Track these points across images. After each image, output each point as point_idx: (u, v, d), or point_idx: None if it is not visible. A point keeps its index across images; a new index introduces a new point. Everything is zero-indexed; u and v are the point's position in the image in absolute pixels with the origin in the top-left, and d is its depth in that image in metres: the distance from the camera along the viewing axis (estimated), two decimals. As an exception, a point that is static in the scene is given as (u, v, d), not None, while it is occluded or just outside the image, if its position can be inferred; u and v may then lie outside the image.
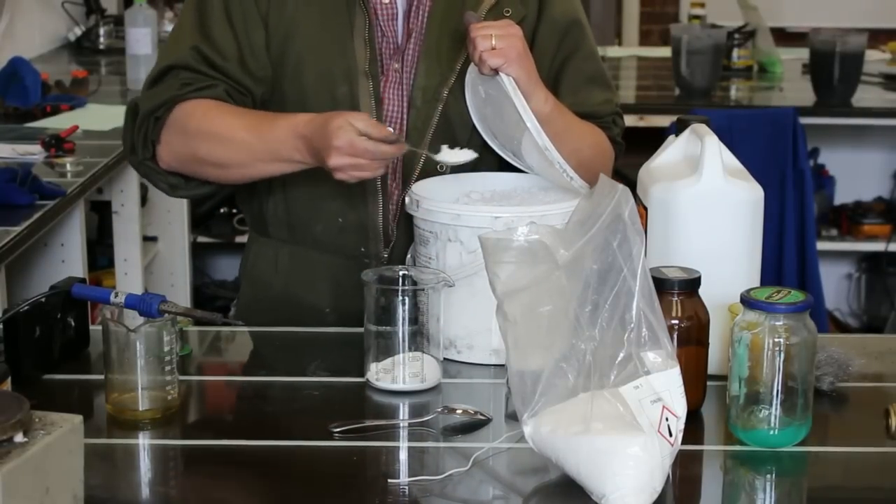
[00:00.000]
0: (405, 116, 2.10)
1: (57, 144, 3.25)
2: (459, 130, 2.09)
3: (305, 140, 1.93)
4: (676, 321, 1.63)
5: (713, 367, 1.71)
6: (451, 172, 2.04)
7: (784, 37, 5.86)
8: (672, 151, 1.91)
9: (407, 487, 1.51)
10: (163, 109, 2.03)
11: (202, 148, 2.03)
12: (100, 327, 1.72)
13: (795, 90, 4.56)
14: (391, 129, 1.93)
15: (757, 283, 1.78)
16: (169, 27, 5.35)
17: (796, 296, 1.58)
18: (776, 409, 1.59)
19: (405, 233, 2.06)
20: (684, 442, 1.49)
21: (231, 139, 2.02)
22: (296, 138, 1.95)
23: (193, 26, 2.08)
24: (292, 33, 2.07)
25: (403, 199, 2.02)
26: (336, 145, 1.85)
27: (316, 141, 1.90)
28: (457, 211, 1.84)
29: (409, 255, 1.96)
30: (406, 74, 2.10)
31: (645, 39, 7.31)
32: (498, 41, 1.92)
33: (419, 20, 2.10)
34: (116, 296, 1.71)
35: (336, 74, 2.07)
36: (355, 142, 1.84)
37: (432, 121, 2.09)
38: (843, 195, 4.81)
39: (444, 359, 1.80)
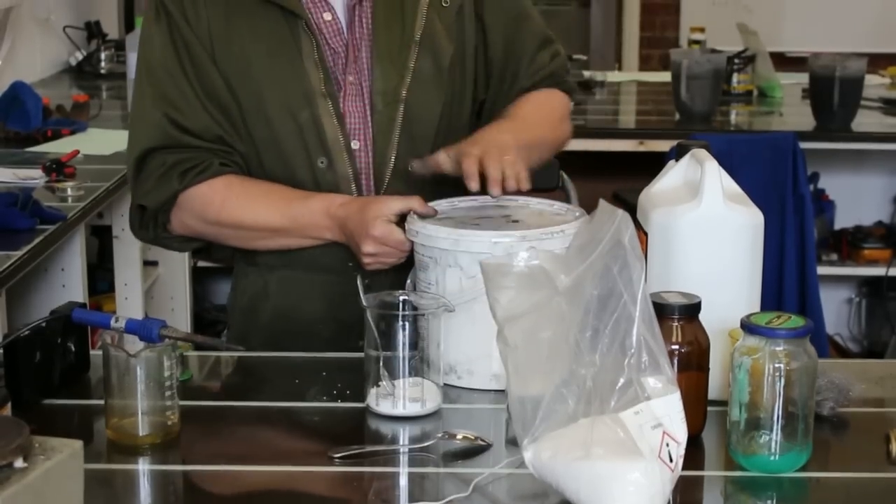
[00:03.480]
0: (369, 123, 2.13)
1: (58, 169, 3.25)
2: (422, 126, 2.15)
3: (339, 221, 2.02)
4: (677, 346, 1.63)
5: (714, 392, 1.71)
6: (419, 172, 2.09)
7: (784, 61, 5.87)
8: (672, 176, 1.91)
9: (407, 513, 1.51)
10: (169, 203, 2.10)
11: (226, 233, 2.15)
12: (100, 352, 1.72)
13: (795, 115, 4.56)
14: (430, 206, 1.96)
15: (757, 308, 1.78)
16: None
17: (796, 321, 1.58)
18: (777, 434, 1.59)
19: None
20: (685, 467, 1.49)
21: (259, 226, 2.11)
22: (329, 219, 2.04)
23: (154, 97, 2.11)
24: (244, 68, 2.10)
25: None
26: (373, 234, 1.95)
27: (351, 224, 1.99)
28: (455, 236, 1.84)
29: (409, 281, 1.96)
30: (363, 83, 2.13)
31: (645, 64, 7.34)
32: (506, 169, 1.97)
33: (364, 28, 2.13)
34: (117, 321, 1.72)
35: (295, 100, 2.09)
36: (393, 232, 1.94)
37: (396, 122, 2.13)
38: (844, 220, 4.82)
39: (445, 384, 1.80)
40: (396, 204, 1.96)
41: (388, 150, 2.13)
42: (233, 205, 2.10)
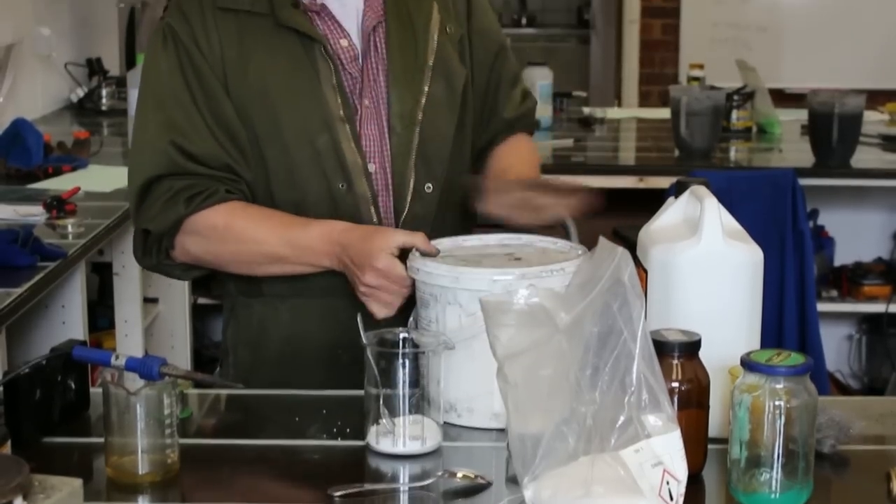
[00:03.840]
0: (387, 145, 2.15)
1: (58, 206, 3.26)
2: (437, 148, 2.18)
3: (339, 247, 2.02)
4: (677, 384, 1.63)
5: (714, 430, 1.71)
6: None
7: (782, 98, 5.90)
8: (672, 213, 1.91)
9: (407, 552, 1.51)
10: (174, 229, 2.09)
11: (226, 257, 2.13)
12: (100, 390, 1.72)
13: (794, 151, 4.57)
14: (433, 245, 1.97)
15: (757, 345, 1.78)
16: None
17: (796, 358, 1.58)
18: (777, 472, 1.59)
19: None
20: (685, 506, 1.49)
21: (259, 251, 2.10)
22: (328, 244, 2.04)
23: (160, 124, 2.11)
24: (261, 95, 2.10)
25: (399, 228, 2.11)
26: (376, 266, 1.95)
27: (353, 252, 1.99)
28: (455, 273, 1.84)
29: (411, 318, 1.96)
30: (379, 107, 2.15)
31: (644, 100, 7.37)
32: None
33: (379, 54, 2.16)
34: (117, 358, 1.72)
35: (313, 125, 2.11)
36: (396, 267, 1.94)
37: (413, 144, 2.15)
38: (843, 256, 4.82)
39: (445, 423, 1.80)
40: (400, 238, 1.96)
41: (406, 171, 2.15)
42: (235, 230, 2.09)
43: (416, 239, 1.95)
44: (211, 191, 2.08)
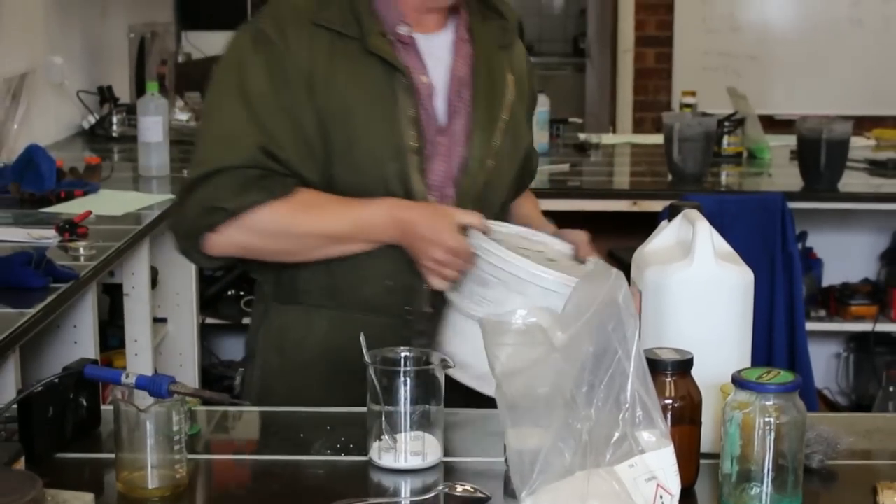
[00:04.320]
0: (452, 184, 2.17)
1: (71, 229, 3.26)
2: (496, 195, 2.23)
3: (404, 223, 2.06)
4: (670, 401, 1.64)
5: (706, 445, 1.71)
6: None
7: (772, 124, 5.91)
8: (665, 236, 1.92)
9: (409, 564, 1.50)
10: (242, 211, 2.06)
11: (284, 248, 2.13)
12: (111, 407, 1.72)
13: (783, 176, 4.58)
14: (487, 225, 2.06)
15: (748, 363, 1.79)
16: (180, 115, 5.40)
17: (786, 376, 1.59)
18: (767, 486, 1.59)
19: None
20: (678, 519, 1.49)
21: (321, 232, 2.11)
22: (391, 218, 2.07)
23: (248, 122, 2.09)
24: (342, 113, 2.11)
25: None
26: (449, 244, 2.01)
27: (421, 228, 2.04)
28: (536, 270, 1.91)
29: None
30: (453, 146, 2.17)
31: (638, 127, 7.38)
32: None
33: (463, 100, 2.19)
34: (127, 377, 1.72)
35: (386, 152, 2.12)
36: (465, 245, 2.00)
37: (478, 187, 2.18)
38: (831, 277, 4.83)
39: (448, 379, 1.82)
40: (462, 216, 2.04)
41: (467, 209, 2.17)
42: (300, 216, 2.10)
43: (474, 218, 2.03)
44: (283, 186, 2.08)
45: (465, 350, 1.94)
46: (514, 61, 2.29)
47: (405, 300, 2.11)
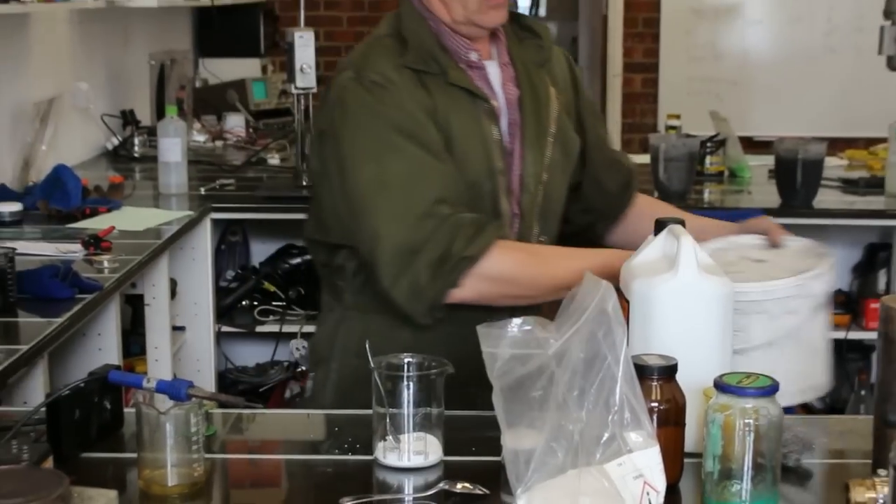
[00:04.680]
0: (517, 200, 2.19)
1: (95, 243, 3.26)
2: (554, 206, 2.26)
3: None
4: (656, 404, 1.64)
5: (689, 445, 1.71)
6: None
7: (751, 145, 5.91)
8: (651, 250, 1.92)
9: (412, 556, 1.50)
10: (477, 256, 2.02)
11: (517, 290, 2.09)
12: (133, 410, 1.72)
13: (762, 193, 4.58)
14: None
15: (728, 368, 1.79)
16: (197, 137, 5.41)
17: (764, 380, 1.59)
18: (747, 483, 1.59)
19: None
20: (664, 514, 1.49)
21: (555, 284, 2.05)
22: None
23: (425, 158, 2.06)
24: (449, 140, 2.12)
25: None
26: None
27: None
28: (765, 287, 1.87)
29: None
30: (515, 164, 2.19)
31: (626, 147, 7.37)
32: None
33: (516, 118, 2.20)
34: (148, 381, 1.72)
35: (481, 173, 2.14)
36: None
37: (537, 200, 2.21)
38: (807, 288, 4.81)
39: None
40: None
41: (531, 224, 2.21)
42: (533, 263, 2.09)
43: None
44: (496, 223, 2.08)
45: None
46: (556, 73, 2.29)
47: (486, 317, 2.06)
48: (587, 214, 2.44)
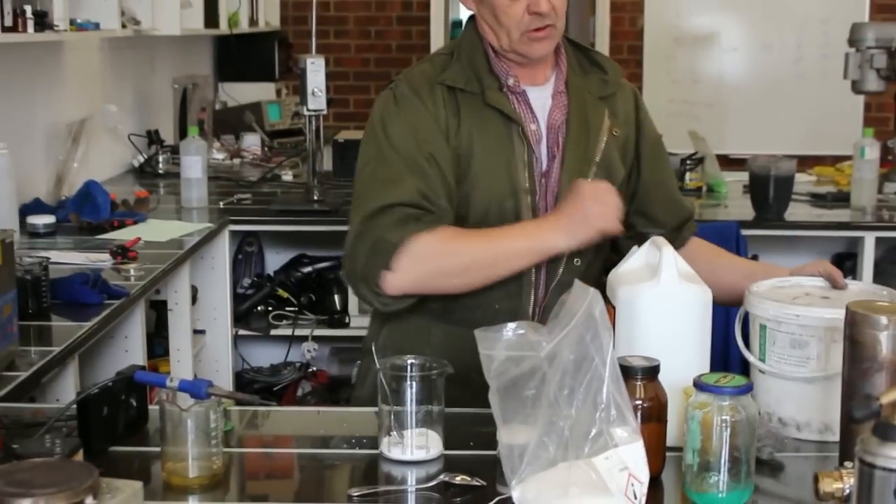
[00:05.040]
0: None
1: (122, 253, 3.27)
2: None
3: (556, 216, 2.04)
4: (640, 402, 1.64)
5: (671, 440, 1.71)
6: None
7: (727, 162, 5.91)
8: (636, 260, 1.92)
9: (414, 543, 1.50)
10: (401, 243, 2.01)
11: (463, 263, 2.06)
12: (157, 407, 1.72)
13: (738, 207, 4.58)
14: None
15: (707, 369, 1.79)
16: (217, 155, 5.41)
17: (739, 380, 1.59)
18: (724, 475, 1.59)
19: (546, 315, 2.09)
20: (647, 504, 1.49)
21: (500, 250, 2.06)
22: (546, 221, 2.05)
23: (405, 167, 2.08)
24: (467, 157, 2.12)
25: (548, 289, 2.14)
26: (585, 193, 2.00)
27: (567, 211, 2.02)
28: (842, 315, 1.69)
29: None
30: (551, 187, 2.16)
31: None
32: None
33: (558, 144, 2.17)
34: (171, 381, 1.72)
35: (503, 191, 2.12)
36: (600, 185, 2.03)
37: None
38: (779, 294, 4.81)
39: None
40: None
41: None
42: (471, 241, 2.06)
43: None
44: (437, 218, 2.06)
45: (800, 410, 1.84)
46: (618, 108, 2.25)
47: (510, 321, 2.03)
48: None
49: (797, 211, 4.44)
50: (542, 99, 2.20)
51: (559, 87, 2.21)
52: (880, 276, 4.46)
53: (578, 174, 2.15)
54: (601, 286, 2.10)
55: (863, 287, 2.00)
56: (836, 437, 1.73)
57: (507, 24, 2.11)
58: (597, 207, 2.00)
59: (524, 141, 2.13)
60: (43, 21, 3.45)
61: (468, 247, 2.06)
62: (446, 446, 1.77)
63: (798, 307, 1.85)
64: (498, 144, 2.13)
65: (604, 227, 2.01)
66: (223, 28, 5.80)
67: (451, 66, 2.17)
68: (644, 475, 1.49)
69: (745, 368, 1.97)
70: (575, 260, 2.16)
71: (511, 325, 1.56)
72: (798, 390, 1.84)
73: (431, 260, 2.04)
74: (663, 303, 1.79)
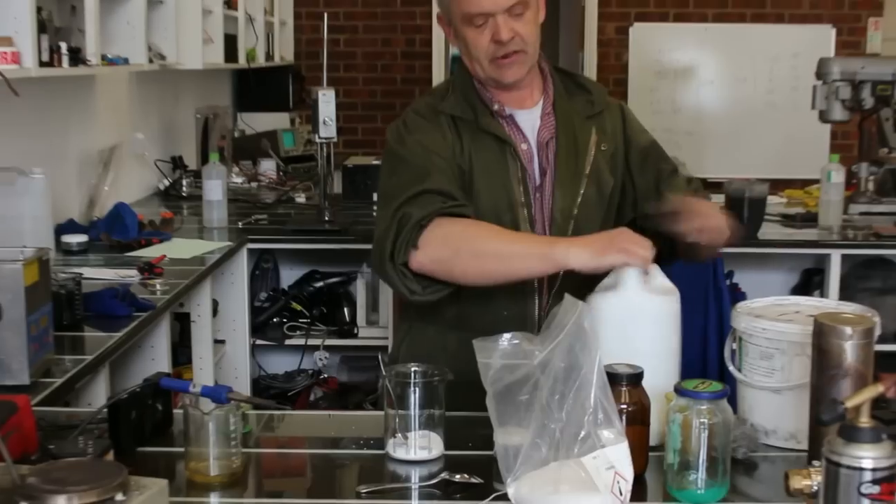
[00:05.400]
0: (548, 231, 2.16)
1: (149, 269, 3.27)
2: (589, 233, 2.09)
3: (584, 238, 1.98)
4: (625, 406, 1.64)
5: (654, 440, 1.71)
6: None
7: (706, 185, 5.87)
8: (610, 279, 1.90)
9: (418, 536, 1.50)
10: (428, 219, 2.01)
11: (475, 245, 2.01)
12: (181, 411, 1.72)
13: (715, 226, 4.57)
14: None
15: (675, 375, 1.79)
16: (235, 179, 5.42)
17: (716, 386, 1.59)
18: (702, 473, 1.59)
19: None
20: (631, 500, 1.49)
21: (501, 238, 2.02)
22: (573, 241, 1.98)
23: (424, 165, 2.08)
24: (470, 175, 2.14)
25: (552, 294, 2.13)
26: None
27: (595, 236, 1.98)
28: (808, 330, 1.69)
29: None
30: (545, 200, 2.17)
31: (599, 187, 7.35)
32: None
33: (549, 160, 2.18)
34: (194, 387, 1.72)
35: (502, 205, 2.13)
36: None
37: (568, 233, 2.15)
38: (753, 307, 4.80)
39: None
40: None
41: None
42: (491, 231, 2.03)
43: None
44: (464, 205, 2.06)
45: (768, 418, 1.84)
46: (606, 125, 2.25)
47: (516, 328, 2.01)
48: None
49: (769, 230, 4.45)
50: (530, 120, 2.21)
51: (547, 110, 2.23)
52: (846, 290, 4.46)
53: (570, 186, 2.17)
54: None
55: (855, 308, 1.94)
56: (801, 445, 1.73)
57: (476, 55, 2.14)
58: (625, 235, 1.91)
59: (517, 160, 2.15)
60: (77, 57, 3.46)
61: (488, 235, 2.02)
62: (447, 447, 1.77)
63: (765, 321, 1.83)
64: (494, 163, 2.15)
65: (628, 248, 1.86)
66: (242, 62, 5.81)
67: (448, 97, 2.21)
68: (629, 473, 1.49)
69: (721, 375, 1.96)
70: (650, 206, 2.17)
71: (506, 336, 1.56)
72: (766, 399, 1.83)
73: (453, 240, 2.01)
74: (627, 311, 1.80)
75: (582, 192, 2.18)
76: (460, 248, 2.01)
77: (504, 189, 2.14)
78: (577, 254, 1.91)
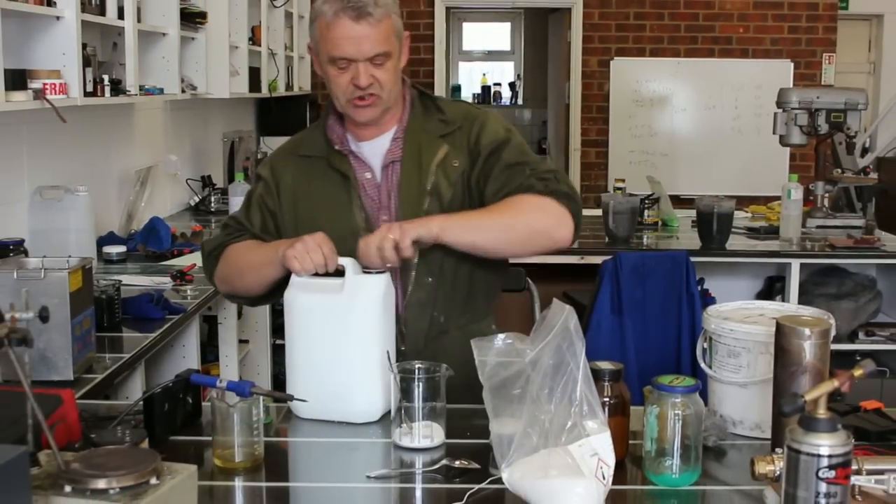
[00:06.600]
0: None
1: (181, 277, 3.27)
2: (435, 248, 2.03)
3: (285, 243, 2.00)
4: (607, 399, 1.63)
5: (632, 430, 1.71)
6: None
7: (679, 201, 5.91)
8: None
9: (421, 516, 1.49)
10: (218, 250, 2.19)
11: (238, 265, 2.14)
12: (209, 404, 1.71)
13: (687, 238, 4.58)
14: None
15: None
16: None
17: (689, 381, 1.59)
18: (677, 460, 1.58)
19: (409, 330, 2.11)
20: (613, 483, 1.48)
21: (250, 255, 2.11)
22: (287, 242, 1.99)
23: (244, 206, 2.23)
24: (313, 216, 2.10)
25: (406, 305, 2.09)
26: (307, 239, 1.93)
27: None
28: (772, 330, 1.67)
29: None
30: (392, 218, 2.09)
31: (583, 203, 7.36)
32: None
33: (393, 182, 2.12)
34: (221, 382, 1.72)
35: (345, 233, 2.05)
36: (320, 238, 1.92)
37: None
38: (722, 310, 4.79)
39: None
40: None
41: (410, 268, 2.09)
42: (243, 248, 2.15)
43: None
44: (241, 235, 2.19)
45: (735, 410, 1.82)
46: (457, 142, 2.13)
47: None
48: None
49: (736, 241, 4.45)
50: (378, 148, 2.14)
51: (397, 135, 2.14)
52: (804, 296, 4.46)
53: (414, 204, 2.08)
54: (471, 299, 2.07)
55: (813, 312, 1.92)
56: (766, 434, 1.72)
57: (336, 92, 2.07)
58: (300, 244, 1.90)
59: (358, 190, 2.11)
60: (117, 87, 3.47)
61: (242, 255, 2.13)
62: (448, 436, 1.77)
63: (732, 323, 1.82)
64: (337, 196, 2.11)
65: (294, 256, 1.89)
66: (264, 92, 5.82)
67: (307, 136, 2.21)
68: (611, 460, 1.49)
69: (693, 372, 1.96)
70: (428, 279, 2.10)
71: (501, 336, 1.56)
72: (733, 393, 1.82)
73: (224, 268, 2.17)
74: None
75: (425, 207, 2.08)
76: (232, 265, 2.16)
77: (346, 218, 2.09)
78: (278, 250, 1.97)
